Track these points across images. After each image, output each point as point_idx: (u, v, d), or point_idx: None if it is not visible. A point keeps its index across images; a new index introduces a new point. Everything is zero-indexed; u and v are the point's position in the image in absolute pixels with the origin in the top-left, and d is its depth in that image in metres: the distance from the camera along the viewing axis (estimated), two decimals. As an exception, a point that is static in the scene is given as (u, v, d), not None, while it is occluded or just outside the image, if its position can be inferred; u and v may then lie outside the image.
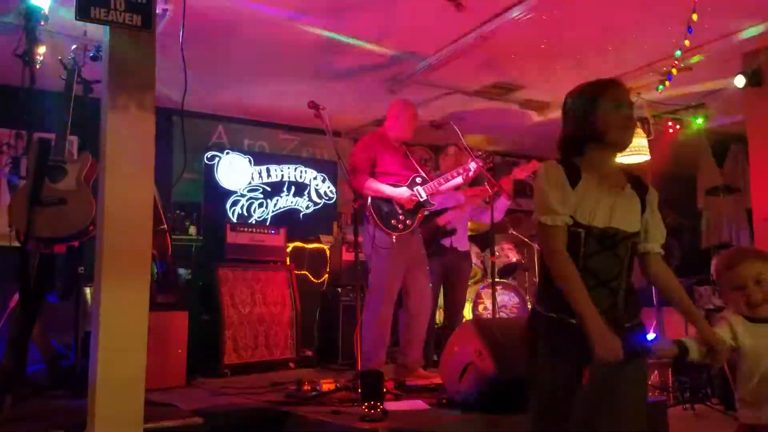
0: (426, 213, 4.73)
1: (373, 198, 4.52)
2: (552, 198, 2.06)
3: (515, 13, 4.22)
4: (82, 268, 3.96)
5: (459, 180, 4.73)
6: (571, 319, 2.00)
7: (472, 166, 4.64)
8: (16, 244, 3.73)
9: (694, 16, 3.75)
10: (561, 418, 2.06)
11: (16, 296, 3.87)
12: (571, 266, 2.02)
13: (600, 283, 2.06)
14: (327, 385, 3.97)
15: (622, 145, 2.15)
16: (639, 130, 5.68)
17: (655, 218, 2.21)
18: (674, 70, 4.40)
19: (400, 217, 4.50)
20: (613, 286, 2.08)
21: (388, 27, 4.55)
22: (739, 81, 4.65)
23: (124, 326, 2.84)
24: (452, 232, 5.23)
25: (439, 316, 5.63)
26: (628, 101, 2.16)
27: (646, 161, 5.83)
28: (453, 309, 5.29)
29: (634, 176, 2.22)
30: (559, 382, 2.08)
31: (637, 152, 5.74)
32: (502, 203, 5.17)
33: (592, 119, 2.10)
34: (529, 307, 2.18)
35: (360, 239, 4.36)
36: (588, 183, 2.09)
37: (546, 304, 2.13)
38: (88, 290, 4.06)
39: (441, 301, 5.39)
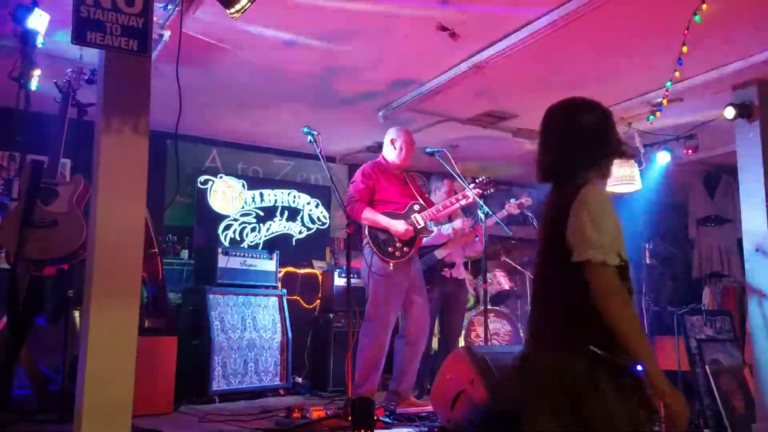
0: (431, 237, 4.77)
1: (370, 226, 4.51)
2: (606, 231, 1.76)
3: (509, 42, 4.27)
4: (72, 291, 3.93)
5: (458, 206, 4.75)
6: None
7: (471, 193, 4.64)
8: (6, 265, 3.71)
9: (684, 48, 3.80)
10: None
11: (5, 319, 3.83)
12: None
13: None
14: (317, 413, 3.93)
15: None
16: (630, 160, 5.72)
17: None
18: (665, 101, 4.44)
19: (397, 244, 4.49)
20: None
21: (383, 55, 4.59)
22: (729, 113, 4.69)
23: (112, 350, 2.82)
24: (452, 265, 5.24)
25: (436, 344, 5.60)
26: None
27: (637, 190, 5.89)
28: (449, 336, 5.27)
29: None
30: None
31: (629, 182, 5.78)
32: (477, 245, 5.31)
33: (612, 137, 1.94)
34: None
35: (353, 265, 4.35)
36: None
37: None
38: (77, 313, 4.02)
39: (437, 328, 5.38)
